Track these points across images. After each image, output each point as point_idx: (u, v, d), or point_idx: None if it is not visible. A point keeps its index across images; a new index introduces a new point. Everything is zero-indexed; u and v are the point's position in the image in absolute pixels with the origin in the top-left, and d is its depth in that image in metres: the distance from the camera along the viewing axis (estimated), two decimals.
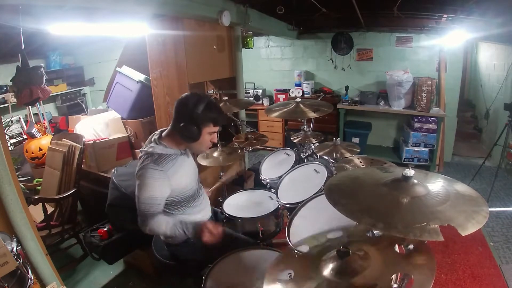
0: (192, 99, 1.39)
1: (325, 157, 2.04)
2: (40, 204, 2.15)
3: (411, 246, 0.86)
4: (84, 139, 2.47)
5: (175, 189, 1.42)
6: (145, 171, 1.33)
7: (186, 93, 1.44)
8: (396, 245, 0.90)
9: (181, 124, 1.37)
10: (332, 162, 2.03)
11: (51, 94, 2.79)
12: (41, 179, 2.71)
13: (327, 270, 0.85)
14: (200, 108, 1.36)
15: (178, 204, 1.49)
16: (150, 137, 1.49)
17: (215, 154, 2.22)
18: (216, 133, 1.49)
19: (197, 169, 1.65)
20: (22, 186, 2.57)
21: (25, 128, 3.13)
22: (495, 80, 4.31)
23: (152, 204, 1.34)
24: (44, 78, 2.43)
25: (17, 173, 2.39)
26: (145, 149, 1.42)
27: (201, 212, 1.62)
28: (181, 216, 1.51)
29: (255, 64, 5.12)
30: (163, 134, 1.47)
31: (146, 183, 1.32)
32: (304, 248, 1.01)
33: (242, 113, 3.09)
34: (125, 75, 2.76)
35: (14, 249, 1.09)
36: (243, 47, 3.00)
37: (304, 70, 4.83)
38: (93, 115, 3.24)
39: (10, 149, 3.24)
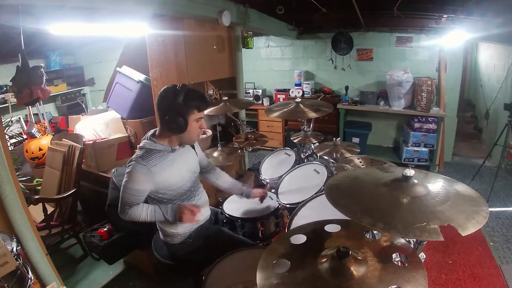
0: (170, 91, 1.39)
1: (325, 157, 2.05)
2: (40, 204, 2.15)
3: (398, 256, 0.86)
4: (84, 139, 2.47)
5: (160, 185, 1.43)
6: (132, 164, 1.38)
7: (163, 87, 1.44)
8: (393, 255, 0.90)
9: (166, 118, 1.38)
10: (332, 162, 2.03)
11: (51, 94, 2.78)
12: (41, 179, 2.70)
13: (323, 267, 0.85)
14: (181, 98, 1.37)
15: (170, 202, 1.49)
16: (146, 134, 1.52)
17: (215, 154, 2.22)
18: (203, 119, 1.49)
19: (196, 167, 1.63)
20: (22, 186, 2.57)
21: (25, 128, 3.13)
22: (495, 80, 4.31)
23: (134, 196, 1.37)
24: (44, 78, 2.43)
25: (17, 173, 2.39)
26: (139, 145, 1.47)
27: None
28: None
29: (255, 64, 5.12)
30: (156, 132, 1.49)
31: (131, 174, 1.36)
32: (300, 239, 0.99)
33: (242, 113, 3.08)
34: (125, 75, 2.75)
35: (14, 249, 1.09)
36: (243, 47, 2.99)
37: (304, 70, 4.83)
38: (93, 115, 3.23)
39: (10, 149, 3.24)
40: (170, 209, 1.43)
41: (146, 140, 1.46)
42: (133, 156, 1.42)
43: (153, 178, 1.39)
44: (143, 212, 1.40)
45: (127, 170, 1.38)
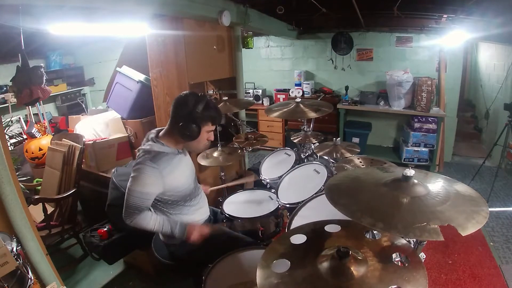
0: (192, 98, 1.40)
1: (325, 157, 2.04)
2: (40, 204, 2.15)
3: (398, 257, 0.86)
4: (84, 139, 2.47)
5: (168, 188, 1.43)
6: (142, 167, 1.35)
7: (184, 92, 1.45)
8: (393, 255, 0.90)
9: (181, 124, 1.39)
10: (332, 162, 2.03)
11: (51, 94, 2.79)
12: (41, 179, 2.70)
13: (323, 267, 0.85)
14: (200, 108, 1.39)
15: (175, 203, 1.50)
16: (146, 135, 1.51)
17: (215, 154, 2.22)
18: (213, 132, 1.51)
19: (194, 169, 1.66)
20: (22, 186, 2.57)
21: (25, 128, 3.13)
22: (495, 80, 4.31)
23: (142, 199, 1.35)
24: (44, 78, 2.43)
25: (17, 173, 2.39)
26: (143, 147, 1.44)
27: (199, 211, 1.63)
28: (178, 216, 1.52)
29: (255, 64, 5.12)
30: (161, 133, 1.48)
31: (141, 178, 1.34)
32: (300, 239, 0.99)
33: (242, 113, 3.08)
34: (125, 75, 2.75)
35: (14, 249, 1.09)
36: (243, 47, 2.99)
37: (304, 70, 4.83)
38: (93, 115, 3.24)
39: (10, 149, 3.24)
40: (180, 226, 1.43)
41: (152, 143, 1.43)
42: (140, 159, 1.39)
43: (163, 181, 1.39)
44: (151, 222, 1.38)
45: (134, 174, 1.35)
